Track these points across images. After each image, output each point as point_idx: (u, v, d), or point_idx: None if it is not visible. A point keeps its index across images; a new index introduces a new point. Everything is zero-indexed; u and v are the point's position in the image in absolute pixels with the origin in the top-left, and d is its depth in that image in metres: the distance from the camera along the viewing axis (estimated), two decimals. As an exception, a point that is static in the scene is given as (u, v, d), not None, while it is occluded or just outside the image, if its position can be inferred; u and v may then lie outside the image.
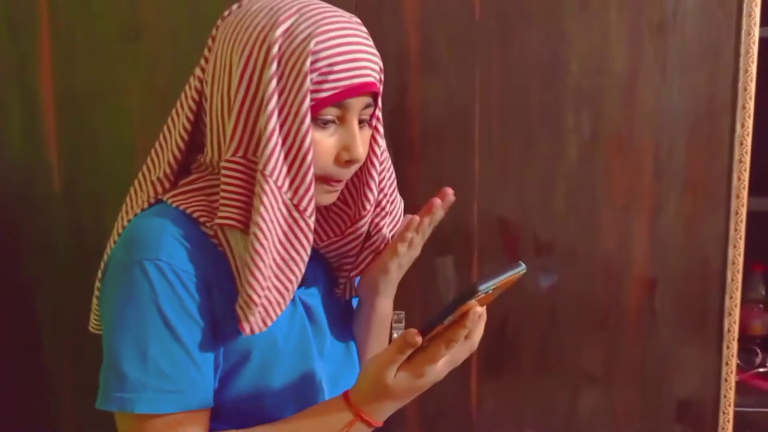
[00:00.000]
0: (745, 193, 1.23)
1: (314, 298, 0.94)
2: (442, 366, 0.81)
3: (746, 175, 1.23)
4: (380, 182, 0.92)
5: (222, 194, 0.82)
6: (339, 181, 0.87)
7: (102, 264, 0.88)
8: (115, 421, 0.84)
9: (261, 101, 0.80)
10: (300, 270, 0.84)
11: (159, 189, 0.87)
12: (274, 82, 0.79)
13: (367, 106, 0.85)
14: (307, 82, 0.78)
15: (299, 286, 0.90)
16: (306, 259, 0.84)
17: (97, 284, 0.89)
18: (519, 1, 1.22)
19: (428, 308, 1.30)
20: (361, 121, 0.85)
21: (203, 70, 0.86)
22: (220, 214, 0.82)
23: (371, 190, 0.90)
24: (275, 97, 0.79)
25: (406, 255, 0.94)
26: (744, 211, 1.24)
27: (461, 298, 0.77)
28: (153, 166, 0.89)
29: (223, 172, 0.82)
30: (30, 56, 1.26)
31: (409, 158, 1.27)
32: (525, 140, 1.26)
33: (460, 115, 1.26)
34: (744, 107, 1.22)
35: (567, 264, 1.29)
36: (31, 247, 1.33)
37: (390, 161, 0.93)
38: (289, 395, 0.89)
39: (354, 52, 0.81)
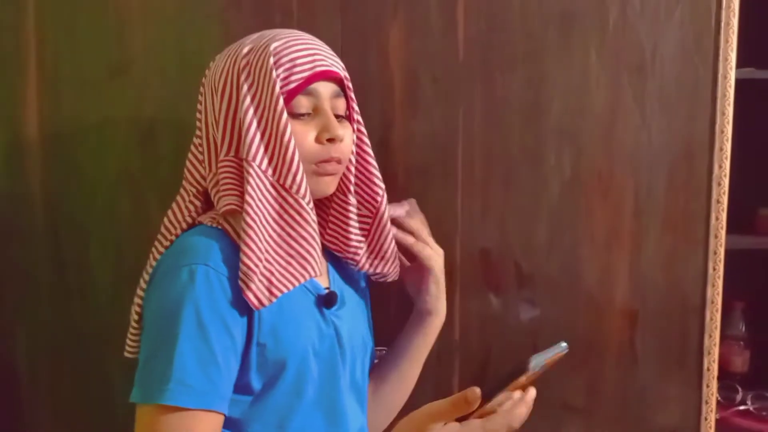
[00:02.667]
0: (723, 233, 1.25)
1: (343, 322, 1.00)
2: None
3: (724, 215, 1.25)
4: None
5: (221, 188, 0.92)
6: (328, 162, 0.94)
7: (142, 281, 0.95)
8: (135, 416, 0.86)
9: (238, 103, 0.92)
10: (311, 247, 0.91)
11: (192, 209, 0.98)
12: (246, 85, 0.91)
13: (337, 95, 0.95)
14: (274, 75, 0.90)
15: (329, 307, 0.97)
16: (314, 238, 0.91)
17: (137, 301, 0.95)
18: (501, 43, 1.25)
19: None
20: (339, 116, 0.95)
21: (199, 120, 0.98)
22: (220, 204, 0.92)
23: (377, 177, 1.04)
24: (249, 96, 0.90)
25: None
26: (722, 250, 1.25)
27: (511, 375, 0.87)
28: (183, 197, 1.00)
29: (219, 171, 0.93)
30: (16, 89, 1.26)
31: (393, 193, 1.28)
32: (507, 178, 1.27)
33: (443, 153, 1.27)
34: (721, 149, 1.24)
35: (548, 301, 1.29)
36: (12, 281, 1.31)
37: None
38: (316, 417, 0.94)
39: (312, 49, 0.94)
